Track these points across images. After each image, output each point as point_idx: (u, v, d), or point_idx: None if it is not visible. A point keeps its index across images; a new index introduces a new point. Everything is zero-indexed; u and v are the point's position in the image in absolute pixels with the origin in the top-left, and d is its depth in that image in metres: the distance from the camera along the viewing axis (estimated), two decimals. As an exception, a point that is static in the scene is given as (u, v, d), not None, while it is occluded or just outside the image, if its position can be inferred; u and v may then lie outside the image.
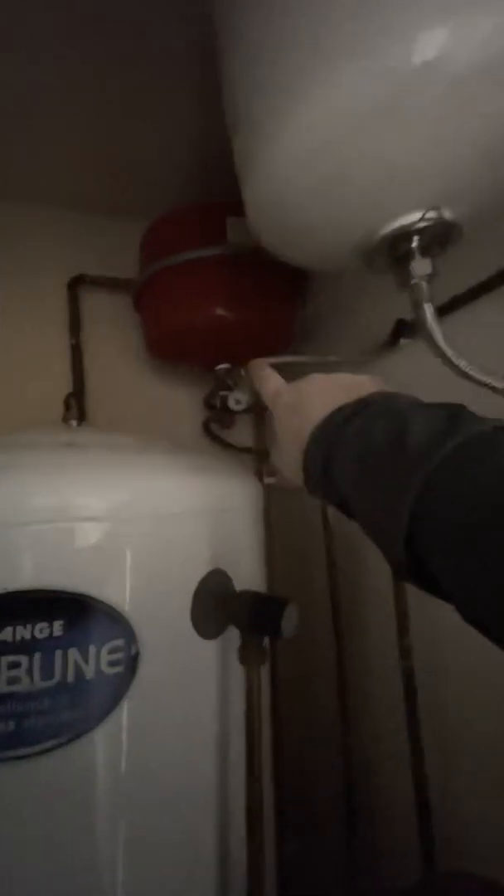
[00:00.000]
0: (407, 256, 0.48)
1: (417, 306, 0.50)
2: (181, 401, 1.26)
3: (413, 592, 0.72)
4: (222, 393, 1.05)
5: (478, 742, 0.66)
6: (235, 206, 0.95)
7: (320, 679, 0.94)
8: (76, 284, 1.21)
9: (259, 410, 1.26)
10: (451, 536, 0.27)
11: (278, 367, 0.93)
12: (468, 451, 0.28)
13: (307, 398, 0.39)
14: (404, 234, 0.47)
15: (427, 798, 0.67)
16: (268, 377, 0.46)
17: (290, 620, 0.49)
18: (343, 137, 0.41)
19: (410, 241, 0.47)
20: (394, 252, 0.49)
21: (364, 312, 0.90)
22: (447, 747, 0.69)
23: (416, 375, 0.77)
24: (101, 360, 1.21)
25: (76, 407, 0.93)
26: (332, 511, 0.95)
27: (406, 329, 0.72)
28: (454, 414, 0.31)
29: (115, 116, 0.90)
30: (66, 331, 1.20)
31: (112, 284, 1.21)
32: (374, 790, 0.81)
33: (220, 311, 0.92)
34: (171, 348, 1.04)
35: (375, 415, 0.33)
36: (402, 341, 0.74)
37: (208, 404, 1.24)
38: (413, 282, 0.49)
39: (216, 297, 0.92)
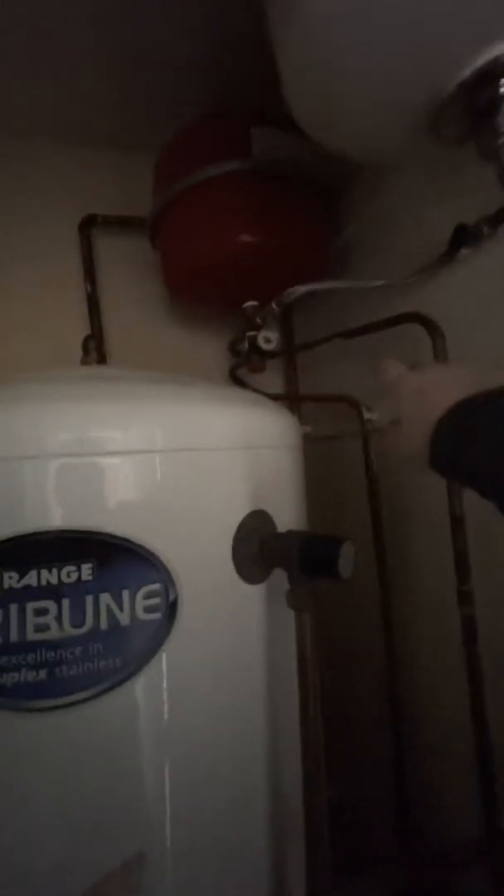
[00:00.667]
0: (491, 109, 0.38)
1: (504, 174, 0.40)
2: (205, 348, 1.18)
3: (473, 535, 0.66)
4: (250, 333, 0.96)
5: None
6: (259, 116, 0.84)
7: (364, 627, 0.89)
8: (88, 225, 1.12)
9: (290, 352, 1.17)
10: None
11: (316, 294, 0.84)
12: None
13: (435, 383, 0.41)
14: (488, 75, 0.36)
15: (489, 750, 0.62)
16: (391, 363, 0.47)
17: (347, 559, 0.43)
18: None
19: (497, 84, 0.37)
20: (473, 105, 0.39)
21: (411, 227, 0.79)
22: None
23: (478, 292, 0.68)
24: (119, 308, 1.14)
25: (95, 350, 0.86)
26: (375, 456, 0.88)
27: (468, 236, 0.62)
28: None
29: (124, 38, 0.79)
30: (81, 276, 1.12)
31: (126, 224, 1.12)
32: (425, 740, 0.77)
33: (245, 237, 0.83)
34: (192, 286, 0.96)
35: None
36: (463, 251, 0.64)
37: (234, 350, 1.16)
38: (501, 141, 0.39)
39: (240, 220, 0.82)
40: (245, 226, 0.82)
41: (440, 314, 0.70)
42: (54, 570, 0.42)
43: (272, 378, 1.18)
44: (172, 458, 0.48)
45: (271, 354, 0.99)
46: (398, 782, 0.77)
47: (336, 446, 1.04)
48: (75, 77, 0.90)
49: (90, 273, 1.13)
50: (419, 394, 0.41)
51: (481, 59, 0.36)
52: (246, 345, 0.98)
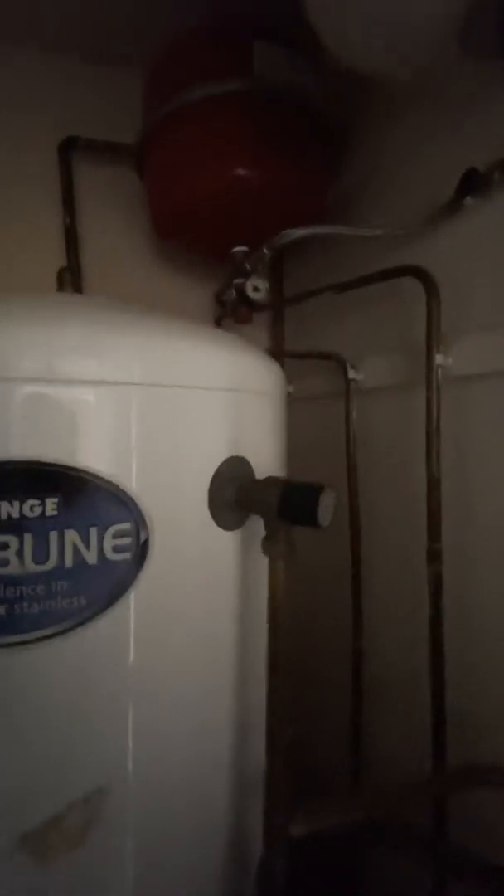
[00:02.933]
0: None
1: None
2: (190, 295, 1.12)
3: (448, 496, 0.65)
4: (237, 281, 0.91)
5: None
6: (264, 27, 0.76)
7: (332, 576, 0.89)
8: (69, 148, 1.03)
9: (278, 306, 1.13)
10: None
11: (308, 244, 0.80)
12: None
13: None
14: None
15: (443, 695, 0.64)
16: None
17: (326, 507, 0.42)
18: None
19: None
20: None
21: (415, 175, 0.75)
22: (469, 649, 0.65)
23: (478, 247, 0.65)
24: (100, 243, 1.06)
25: (71, 285, 0.80)
26: (356, 415, 0.86)
27: (477, 183, 0.58)
28: None
29: None
30: (59, 206, 1.03)
31: (112, 150, 1.03)
32: (383, 687, 0.79)
33: (240, 171, 0.77)
34: (179, 223, 0.89)
35: None
36: (469, 200, 0.61)
37: (220, 300, 1.11)
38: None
39: (236, 151, 0.76)
40: (240, 158, 0.76)
41: (439, 270, 0.67)
42: (16, 504, 0.39)
43: (257, 333, 1.14)
44: (150, 392, 0.44)
45: (259, 306, 0.94)
46: (354, 726, 0.80)
47: (318, 406, 1.02)
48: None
49: (69, 203, 1.04)
50: None
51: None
52: (233, 293, 0.93)
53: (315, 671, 0.95)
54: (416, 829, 0.53)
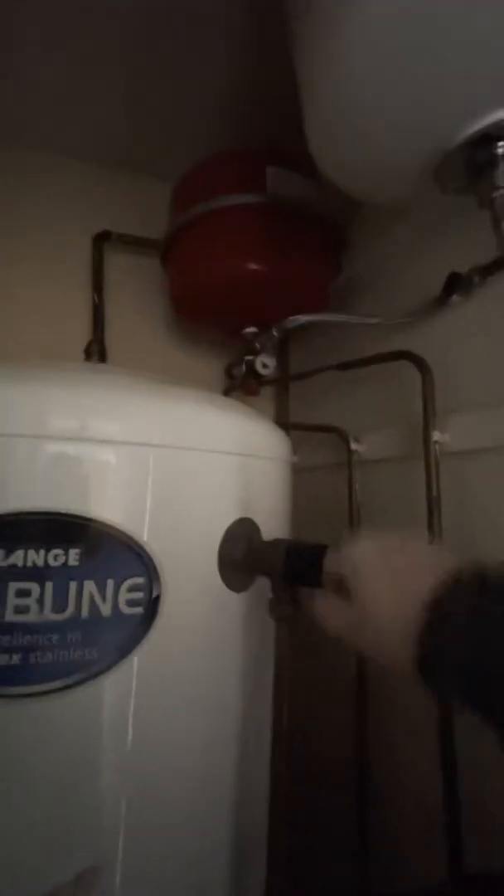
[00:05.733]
0: (489, 166, 0.43)
1: (499, 223, 0.44)
2: (202, 369, 1.21)
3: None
4: (248, 357, 1.00)
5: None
6: (277, 154, 0.91)
7: (337, 665, 0.88)
8: (101, 240, 1.17)
9: (284, 381, 1.21)
10: None
11: (313, 326, 0.88)
12: None
13: (404, 553, 0.36)
14: (487, 137, 0.41)
15: (458, 802, 0.61)
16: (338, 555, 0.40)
17: (332, 568, 0.44)
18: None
19: (494, 145, 0.42)
20: (473, 161, 0.44)
21: (408, 272, 0.85)
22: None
23: (465, 336, 0.72)
24: (122, 323, 1.17)
25: (97, 353, 0.88)
26: (359, 486, 0.90)
27: (460, 284, 0.67)
28: None
29: (146, 67, 0.86)
30: (89, 291, 1.15)
31: (139, 244, 1.17)
32: (391, 790, 0.75)
33: (253, 266, 0.87)
34: (197, 305, 0.99)
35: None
36: (455, 298, 0.69)
37: (230, 373, 1.19)
38: (496, 194, 0.44)
39: (251, 249, 0.87)
40: (254, 255, 0.87)
41: (431, 354, 0.74)
42: (41, 552, 0.42)
43: (264, 405, 1.21)
44: (167, 454, 0.48)
45: (267, 380, 1.02)
46: (361, 830, 0.74)
47: (321, 477, 1.06)
48: (103, 97, 0.96)
49: (98, 285, 1.16)
50: (393, 573, 0.34)
51: (480, 124, 0.41)
52: (243, 368, 1.01)
53: (315, 776, 0.90)
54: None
